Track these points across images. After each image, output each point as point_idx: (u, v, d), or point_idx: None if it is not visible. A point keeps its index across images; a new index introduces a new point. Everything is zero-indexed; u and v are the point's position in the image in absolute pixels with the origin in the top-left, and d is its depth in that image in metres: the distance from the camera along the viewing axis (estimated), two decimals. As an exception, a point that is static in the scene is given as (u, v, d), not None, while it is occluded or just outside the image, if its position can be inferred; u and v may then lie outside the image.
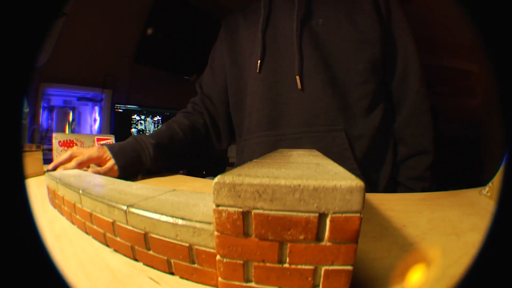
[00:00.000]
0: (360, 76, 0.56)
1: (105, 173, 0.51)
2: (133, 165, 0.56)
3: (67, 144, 0.70)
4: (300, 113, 0.58)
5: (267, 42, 0.62)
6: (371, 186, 0.56)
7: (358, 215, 0.14)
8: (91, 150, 0.54)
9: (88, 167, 0.55)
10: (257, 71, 0.61)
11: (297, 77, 0.57)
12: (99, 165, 0.55)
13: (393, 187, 0.58)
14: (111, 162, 0.53)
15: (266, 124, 0.61)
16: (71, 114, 1.45)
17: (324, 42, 0.57)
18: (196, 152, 0.74)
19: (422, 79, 0.58)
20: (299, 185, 0.14)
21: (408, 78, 0.58)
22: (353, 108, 0.56)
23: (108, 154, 0.54)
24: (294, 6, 0.58)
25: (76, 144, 0.72)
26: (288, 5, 0.60)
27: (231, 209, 0.15)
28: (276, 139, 0.59)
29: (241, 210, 0.15)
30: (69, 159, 0.53)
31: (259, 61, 0.61)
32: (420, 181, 0.56)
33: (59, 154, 0.67)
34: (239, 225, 0.15)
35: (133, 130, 1.61)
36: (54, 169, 0.52)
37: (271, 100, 0.61)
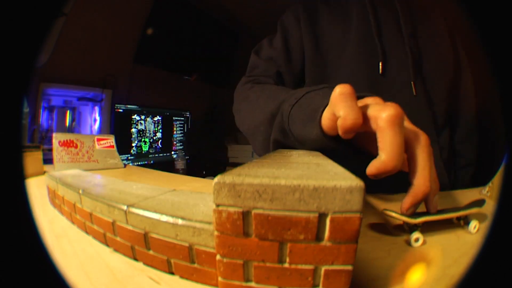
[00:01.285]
0: (441, 93, 0.59)
1: None
2: None
3: (67, 144, 0.70)
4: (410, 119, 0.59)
5: (382, 44, 0.60)
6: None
7: (358, 215, 0.14)
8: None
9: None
10: (380, 72, 0.59)
11: (412, 83, 0.58)
12: None
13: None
14: None
15: None
16: (69, 113, 1.45)
17: (423, 54, 0.59)
18: None
19: (475, 106, 0.63)
20: (299, 185, 0.14)
21: (465, 102, 0.63)
22: (438, 123, 0.59)
23: None
24: (397, 11, 0.59)
25: (77, 144, 0.72)
26: (391, 8, 0.61)
27: (231, 209, 0.15)
28: None
29: (241, 210, 0.15)
30: None
31: (381, 63, 0.59)
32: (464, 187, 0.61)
33: (59, 154, 0.67)
34: (239, 225, 0.15)
35: (133, 130, 1.61)
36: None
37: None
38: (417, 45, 0.59)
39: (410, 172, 0.25)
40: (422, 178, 0.24)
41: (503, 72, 0.15)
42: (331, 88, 0.30)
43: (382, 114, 0.23)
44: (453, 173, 0.63)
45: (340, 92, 0.25)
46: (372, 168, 0.23)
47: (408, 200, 0.24)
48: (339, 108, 0.24)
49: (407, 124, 0.27)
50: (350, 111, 0.24)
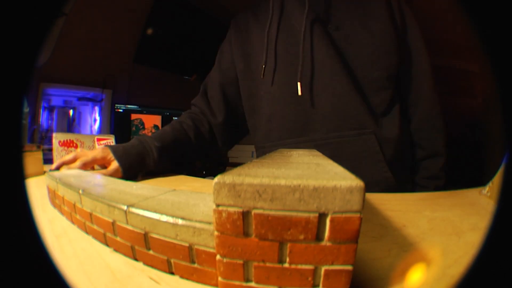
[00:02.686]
0: (376, 83, 0.57)
1: (111, 175, 0.52)
2: (137, 167, 0.57)
3: (67, 144, 0.70)
4: (329, 118, 0.57)
5: (279, 47, 0.61)
6: (400, 187, 0.56)
7: (358, 215, 0.14)
8: (95, 151, 0.55)
9: (93, 168, 0.56)
10: (261, 76, 0.61)
11: (298, 83, 0.57)
12: (103, 166, 0.56)
13: (411, 187, 0.61)
14: (115, 164, 0.54)
15: (293, 130, 0.61)
16: (71, 112, 1.45)
17: (341, 48, 0.58)
18: (199, 154, 0.74)
19: (434, 85, 0.60)
20: (299, 185, 0.14)
21: (421, 83, 0.60)
22: (376, 112, 0.57)
23: (111, 155, 0.55)
24: (305, 8, 0.58)
25: (76, 144, 0.72)
26: (298, 7, 0.60)
27: (231, 209, 0.15)
28: (305, 146, 0.59)
29: (241, 210, 0.15)
30: (73, 160, 0.54)
31: (263, 66, 0.61)
32: (434, 179, 0.59)
33: (59, 154, 0.67)
34: (239, 225, 0.15)
35: (134, 129, 1.61)
36: (58, 168, 0.53)
37: (292, 106, 0.60)
38: (337, 39, 0.58)
39: None
40: None
41: (503, 72, 0.15)
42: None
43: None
44: (414, 164, 0.61)
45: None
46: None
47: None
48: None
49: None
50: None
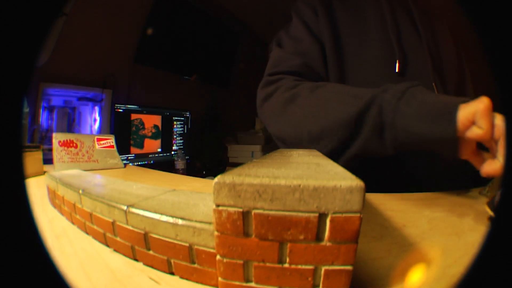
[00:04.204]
0: (455, 93, 0.59)
1: None
2: None
3: (67, 144, 0.70)
4: None
5: (401, 43, 0.58)
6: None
7: (358, 215, 0.14)
8: None
9: None
10: (397, 70, 0.56)
11: (434, 84, 0.56)
12: None
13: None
14: None
15: None
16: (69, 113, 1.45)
17: (440, 56, 0.58)
18: None
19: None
20: (299, 185, 0.14)
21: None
22: None
23: None
24: (412, 13, 0.58)
25: (76, 144, 0.72)
26: (406, 9, 0.60)
27: (231, 209, 0.15)
28: None
29: (241, 210, 0.15)
30: None
31: (398, 61, 0.56)
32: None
33: (59, 154, 0.67)
34: (239, 225, 0.15)
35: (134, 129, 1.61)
36: None
37: None
38: (435, 46, 0.58)
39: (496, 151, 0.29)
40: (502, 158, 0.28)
41: (503, 72, 0.15)
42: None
43: (501, 123, 0.27)
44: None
45: (488, 107, 0.28)
46: (490, 169, 0.28)
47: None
48: (485, 121, 0.28)
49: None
50: (491, 127, 0.28)
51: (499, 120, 0.28)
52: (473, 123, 0.29)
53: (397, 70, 0.56)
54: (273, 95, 0.53)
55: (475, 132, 0.29)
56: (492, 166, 0.29)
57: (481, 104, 0.28)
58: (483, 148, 0.32)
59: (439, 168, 0.52)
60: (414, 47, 0.57)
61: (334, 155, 0.41)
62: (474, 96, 0.66)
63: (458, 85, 0.60)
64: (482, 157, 0.32)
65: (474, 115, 0.29)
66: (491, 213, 0.29)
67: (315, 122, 0.44)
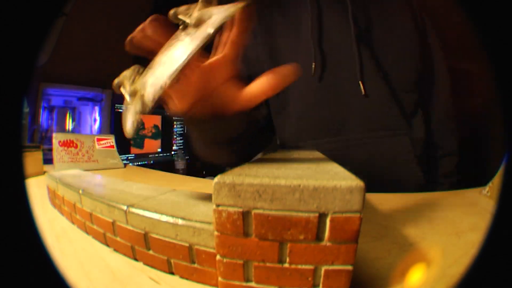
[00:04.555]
0: (406, 85, 0.59)
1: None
2: None
3: (67, 144, 0.70)
4: (365, 118, 0.58)
5: (321, 45, 0.60)
6: (426, 185, 0.58)
7: (358, 215, 0.14)
8: None
9: None
10: (312, 74, 0.59)
11: (360, 82, 0.57)
12: None
13: (431, 185, 0.62)
14: None
15: (327, 129, 0.60)
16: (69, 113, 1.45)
17: (379, 48, 0.58)
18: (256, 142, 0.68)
19: (450, 89, 0.63)
20: (299, 185, 0.14)
21: (440, 87, 0.63)
22: (407, 113, 0.59)
23: None
24: (347, 8, 0.58)
25: (77, 144, 0.72)
26: (340, 7, 0.59)
27: (231, 209, 0.15)
28: (343, 145, 0.59)
29: (241, 210, 0.15)
30: None
31: (314, 64, 0.59)
32: (450, 177, 0.62)
33: (59, 154, 0.67)
34: (239, 225, 0.15)
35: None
36: None
37: (332, 105, 0.60)
38: (370, 39, 0.58)
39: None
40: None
41: (503, 72, 0.15)
42: None
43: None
44: (433, 163, 0.62)
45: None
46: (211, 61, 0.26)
47: None
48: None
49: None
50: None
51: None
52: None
53: (312, 74, 0.58)
54: None
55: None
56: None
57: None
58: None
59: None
60: (341, 45, 0.58)
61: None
62: (447, 80, 0.63)
63: (417, 71, 0.59)
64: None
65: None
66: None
67: None
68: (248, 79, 0.57)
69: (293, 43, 0.62)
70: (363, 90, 0.57)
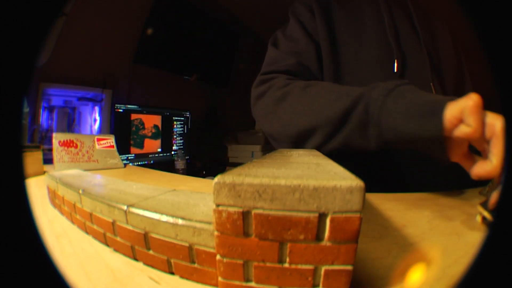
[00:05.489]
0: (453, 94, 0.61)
1: None
2: None
3: (67, 144, 0.70)
4: None
5: (399, 44, 0.59)
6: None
7: (358, 215, 0.14)
8: None
9: None
10: (395, 70, 0.56)
11: (431, 84, 0.57)
12: None
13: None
14: None
15: None
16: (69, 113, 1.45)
17: (438, 57, 0.59)
18: None
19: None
20: (299, 185, 0.14)
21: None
22: None
23: None
24: (411, 13, 0.59)
25: (76, 144, 0.72)
26: (404, 9, 0.60)
27: (231, 209, 0.15)
28: None
29: (241, 210, 0.15)
30: None
31: (396, 61, 0.56)
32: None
33: (59, 154, 0.67)
34: (239, 225, 0.15)
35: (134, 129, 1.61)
36: None
37: None
38: (434, 47, 0.59)
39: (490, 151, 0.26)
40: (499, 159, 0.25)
41: (502, 72, 0.15)
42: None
43: (497, 122, 0.25)
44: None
45: (477, 103, 0.27)
46: (482, 171, 0.25)
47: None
48: (473, 119, 0.26)
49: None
50: (481, 125, 0.26)
51: (491, 119, 0.26)
52: (461, 121, 0.28)
53: (395, 70, 0.56)
54: (265, 94, 0.54)
55: (463, 131, 0.27)
56: (484, 168, 0.26)
57: (470, 101, 0.27)
58: (477, 152, 0.30)
59: (432, 169, 0.52)
60: (412, 47, 0.57)
61: (318, 149, 0.42)
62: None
63: (457, 85, 0.60)
64: (474, 160, 0.30)
65: (462, 112, 0.27)
66: (486, 214, 0.27)
67: (304, 120, 0.44)
68: (317, 52, 0.55)
69: (354, 34, 0.59)
70: (433, 91, 0.56)
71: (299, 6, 0.65)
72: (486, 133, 0.26)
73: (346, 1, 0.64)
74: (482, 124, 0.26)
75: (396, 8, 0.61)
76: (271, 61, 0.60)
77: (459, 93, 0.63)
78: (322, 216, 0.15)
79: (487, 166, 0.26)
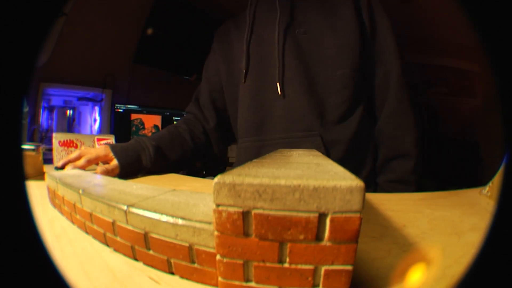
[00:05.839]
0: (338, 83, 0.57)
1: (112, 170, 0.55)
2: (133, 164, 0.59)
3: (67, 144, 0.70)
4: (281, 119, 0.61)
5: (252, 51, 0.64)
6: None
7: (358, 215, 0.14)
8: (98, 149, 0.58)
9: (97, 164, 0.58)
10: (243, 80, 0.64)
11: (278, 84, 0.59)
12: (106, 163, 0.58)
13: (373, 189, 0.59)
14: (114, 162, 0.57)
15: (251, 130, 0.65)
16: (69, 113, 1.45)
17: (306, 51, 0.59)
18: (195, 155, 0.78)
19: (401, 80, 0.57)
20: (299, 185, 0.14)
21: (388, 80, 0.58)
22: (330, 114, 0.58)
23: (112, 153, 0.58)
24: (277, 15, 0.60)
25: (76, 144, 0.72)
26: (271, 14, 0.62)
27: (231, 209, 0.15)
28: (259, 145, 0.63)
29: (241, 210, 0.15)
30: (78, 157, 0.56)
31: (244, 71, 0.63)
32: (402, 184, 0.55)
33: (59, 154, 0.67)
34: (239, 225, 0.15)
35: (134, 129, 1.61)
36: (63, 166, 0.54)
37: (254, 107, 0.64)
38: (296, 44, 0.59)
39: None
40: None
41: (503, 72, 0.15)
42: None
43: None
44: (367, 168, 0.59)
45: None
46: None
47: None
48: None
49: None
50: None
51: None
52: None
53: (243, 81, 0.64)
54: None
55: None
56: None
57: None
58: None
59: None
60: (267, 51, 0.62)
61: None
62: (400, 78, 0.60)
63: (353, 70, 0.57)
64: None
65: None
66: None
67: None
68: (211, 93, 0.78)
69: (240, 52, 0.68)
70: (279, 91, 0.59)
71: (212, 46, 0.79)
72: None
73: (239, 23, 0.71)
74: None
75: (265, 14, 0.65)
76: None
77: (357, 77, 0.59)
78: (322, 216, 0.15)
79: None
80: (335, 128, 0.57)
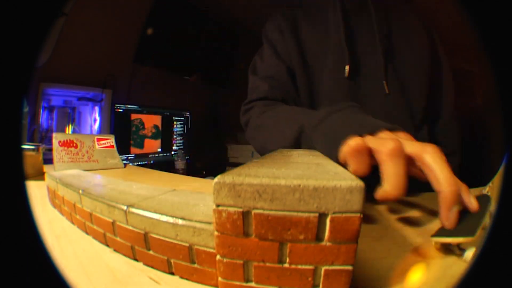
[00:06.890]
0: (420, 91, 0.62)
1: None
2: None
3: (67, 144, 0.70)
4: (383, 117, 0.61)
5: (353, 49, 0.62)
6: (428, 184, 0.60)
7: (358, 215, 0.14)
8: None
9: None
10: (346, 75, 0.61)
11: (384, 82, 0.60)
12: None
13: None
14: None
15: None
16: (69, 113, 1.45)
17: (398, 53, 0.61)
18: None
19: (454, 91, 0.66)
20: (299, 185, 0.14)
21: (446, 93, 0.66)
22: (416, 117, 0.62)
23: None
24: (371, 15, 0.62)
25: (76, 144, 0.72)
26: (366, 13, 0.63)
27: (231, 209, 0.15)
28: None
29: (241, 210, 0.15)
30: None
31: (347, 66, 0.61)
32: None
33: (59, 154, 0.67)
34: (239, 225, 0.15)
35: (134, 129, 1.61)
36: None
37: (359, 103, 0.64)
38: (391, 45, 0.61)
39: (431, 182, 0.25)
40: (444, 180, 0.24)
41: (503, 72, 0.15)
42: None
43: (382, 148, 0.25)
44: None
45: (350, 149, 0.28)
46: (378, 195, 0.25)
47: (443, 211, 0.23)
48: (350, 163, 0.28)
49: (413, 142, 0.28)
50: (359, 167, 0.27)
51: (378, 145, 0.26)
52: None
53: (346, 75, 0.61)
54: (248, 124, 0.64)
55: (350, 171, 0.28)
56: (379, 193, 0.25)
57: (347, 146, 0.28)
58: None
59: None
60: (368, 48, 0.61)
61: None
62: (453, 89, 0.65)
63: (428, 79, 0.61)
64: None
65: (345, 160, 0.29)
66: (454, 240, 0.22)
67: (271, 146, 0.51)
68: (289, 72, 0.65)
69: (321, 45, 0.64)
70: (386, 89, 0.59)
71: (268, 27, 0.71)
72: (376, 158, 0.26)
73: (312, 11, 0.68)
74: (364, 167, 0.27)
75: (356, 10, 0.64)
76: (250, 90, 0.68)
77: (432, 87, 0.64)
78: (322, 216, 0.15)
79: (381, 192, 0.25)
80: (420, 131, 0.61)
